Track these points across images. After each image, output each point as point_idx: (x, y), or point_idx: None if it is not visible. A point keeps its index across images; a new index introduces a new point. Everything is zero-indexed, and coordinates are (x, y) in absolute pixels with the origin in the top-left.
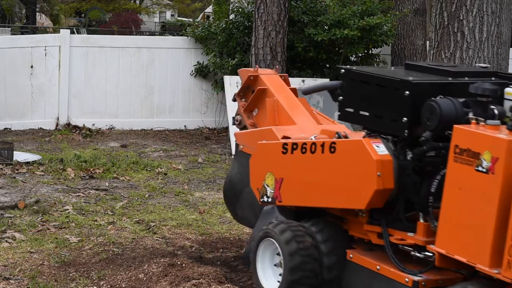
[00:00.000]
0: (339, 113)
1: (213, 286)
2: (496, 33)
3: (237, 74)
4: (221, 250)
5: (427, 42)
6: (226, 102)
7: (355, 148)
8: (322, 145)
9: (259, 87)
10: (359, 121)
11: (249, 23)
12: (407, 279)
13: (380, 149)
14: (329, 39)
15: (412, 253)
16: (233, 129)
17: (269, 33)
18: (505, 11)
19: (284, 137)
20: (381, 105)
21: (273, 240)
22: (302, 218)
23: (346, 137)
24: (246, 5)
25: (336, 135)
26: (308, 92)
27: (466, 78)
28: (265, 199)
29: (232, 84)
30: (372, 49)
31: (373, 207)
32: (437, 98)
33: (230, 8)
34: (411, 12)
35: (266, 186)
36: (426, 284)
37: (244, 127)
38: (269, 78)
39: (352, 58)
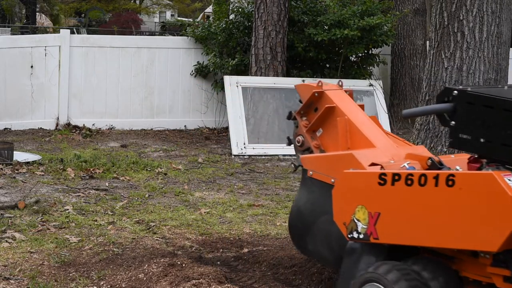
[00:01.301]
0: (450, 139)
1: (213, 286)
2: (496, 33)
3: (237, 74)
4: (221, 250)
5: (427, 42)
6: (226, 102)
7: (483, 183)
8: (436, 177)
9: (326, 105)
10: (478, 150)
11: (249, 23)
12: None
13: None
14: (329, 39)
15: None
16: (234, 129)
17: (269, 33)
18: (505, 11)
19: (373, 164)
20: (510, 132)
21: (378, 284)
22: (396, 256)
23: (440, 163)
24: (246, 5)
25: (429, 161)
26: (411, 116)
27: None
28: (355, 235)
29: (232, 84)
30: (372, 49)
31: (505, 249)
32: None
33: (230, 8)
34: (411, 12)
35: (356, 221)
36: None
37: (307, 149)
38: (336, 94)
39: (352, 58)
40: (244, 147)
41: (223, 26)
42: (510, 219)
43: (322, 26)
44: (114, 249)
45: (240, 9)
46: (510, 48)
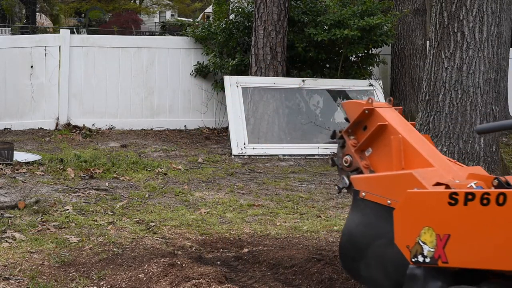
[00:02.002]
0: None
1: (213, 286)
2: (496, 33)
3: (237, 74)
4: (221, 250)
5: (427, 42)
6: (226, 102)
7: None
8: None
9: (379, 123)
10: None
11: (249, 23)
12: None
13: None
14: (329, 39)
15: None
16: (234, 129)
17: (269, 33)
18: (505, 11)
19: (437, 184)
20: None
21: None
22: (461, 281)
23: (508, 183)
24: (246, 5)
25: (496, 181)
26: (485, 132)
27: None
28: (420, 259)
29: (232, 84)
30: (372, 49)
31: None
32: None
33: (230, 8)
34: (411, 12)
35: (421, 244)
36: None
37: (356, 170)
38: (387, 112)
39: (352, 58)
40: (244, 147)
41: (223, 26)
42: None
43: (322, 26)
44: (114, 249)
45: (240, 9)
46: (510, 48)
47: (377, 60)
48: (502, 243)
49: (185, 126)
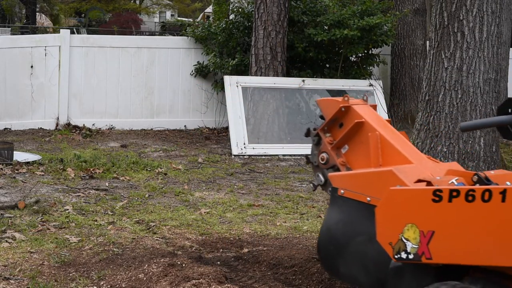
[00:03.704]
0: None
1: (213, 286)
2: (496, 33)
3: (237, 74)
4: (221, 250)
5: (427, 42)
6: (226, 102)
7: None
8: (503, 193)
9: (356, 120)
10: None
11: (249, 23)
12: None
13: None
14: (329, 39)
15: None
16: (234, 129)
17: (269, 33)
18: (505, 11)
19: (419, 181)
20: None
21: None
22: (445, 276)
23: (487, 179)
24: (246, 5)
25: (476, 177)
26: (469, 129)
27: None
28: (403, 255)
29: (232, 84)
30: (372, 49)
31: None
32: None
33: (230, 8)
34: (411, 12)
35: (404, 241)
36: None
37: (332, 167)
38: (363, 109)
39: (352, 58)
40: (244, 147)
41: (223, 26)
42: None
43: (322, 26)
44: (114, 249)
45: (240, 9)
46: (510, 48)
47: (377, 60)
48: (486, 239)
49: (185, 126)
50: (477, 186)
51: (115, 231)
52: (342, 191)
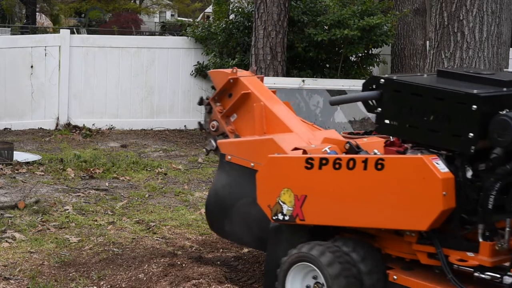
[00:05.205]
0: (376, 125)
1: (213, 286)
2: (496, 33)
3: None
4: (221, 250)
5: (427, 42)
6: None
7: (413, 166)
8: (365, 161)
9: (243, 91)
10: (403, 135)
11: (249, 23)
12: None
13: (441, 166)
14: (329, 39)
15: (476, 274)
16: None
17: (269, 33)
18: (505, 11)
19: (296, 149)
20: (438, 119)
21: (311, 264)
22: (317, 236)
23: (358, 146)
24: (246, 5)
25: (347, 145)
26: (337, 103)
27: None
28: (280, 217)
29: None
30: (372, 49)
31: (433, 228)
32: (506, 112)
33: (230, 8)
34: (411, 12)
35: (281, 203)
36: None
37: (222, 134)
38: (250, 80)
39: (352, 58)
40: None
41: (223, 26)
42: (440, 200)
43: (322, 26)
44: (114, 249)
45: (240, 9)
46: (510, 48)
47: (377, 60)
48: (350, 203)
49: (185, 126)
50: (344, 155)
51: (115, 231)
52: (229, 157)
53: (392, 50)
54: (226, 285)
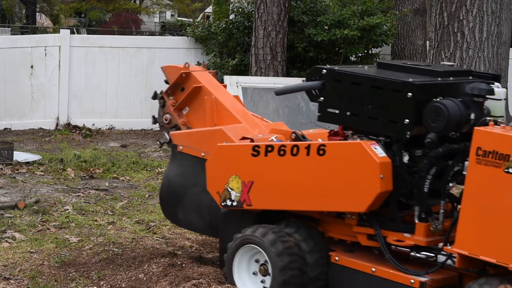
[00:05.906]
0: (319, 113)
1: (213, 286)
2: (496, 33)
3: (238, 74)
4: None
5: (427, 42)
6: None
7: (352, 151)
8: (307, 148)
9: (194, 85)
10: (344, 122)
11: (249, 23)
12: (412, 281)
13: (379, 151)
14: (329, 39)
15: (412, 254)
16: None
17: (269, 33)
18: (505, 11)
19: (243, 138)
20: (376, 107)
21: (255, 246)
22: (265, 220)
23: (303, 136)
24: (246, 5)
25: (293, 135)
26: (283, 92)
27: (451, 78)
28: (228, 203)
29: (232, 84)
30: (372, 49)
31: (372, 210)
32: (439, 99)
33: (230, 8)
34: (411, 12)
35: (229, 190)
36: (433, 284)
37: (174, 127)
38: (202, 75)
39: (352, 58)
40: None
41: (223, 26)
42: (377, 182)
43: (322, 26)
44: (114, 249)
45: (240, 9)
46: (510, 48)
47: (377, 60)
48: (294, 188)
49: None
50: (288, 142)
51: (115, 231)
52: (181, 147)
53: (392, 50)
54: (226, 285)
